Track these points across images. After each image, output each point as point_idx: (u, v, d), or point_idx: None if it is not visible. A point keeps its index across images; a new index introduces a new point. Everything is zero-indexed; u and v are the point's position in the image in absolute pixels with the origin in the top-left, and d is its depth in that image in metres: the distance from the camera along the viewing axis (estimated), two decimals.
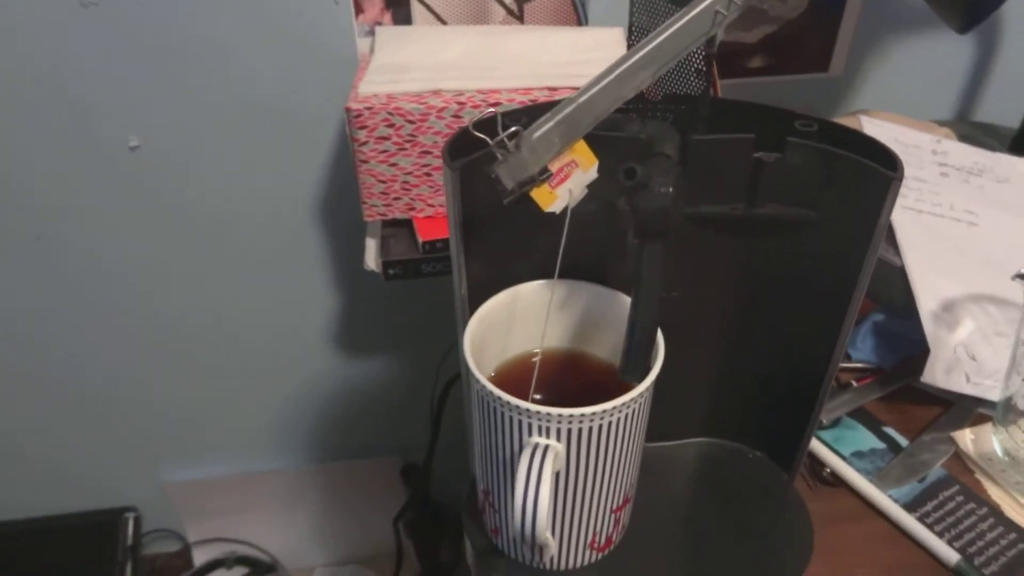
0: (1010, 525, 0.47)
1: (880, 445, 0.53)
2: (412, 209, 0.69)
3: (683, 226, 0.34)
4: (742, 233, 0.38)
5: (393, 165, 0.66)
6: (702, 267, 0.40)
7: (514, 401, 0.33)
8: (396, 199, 0.68)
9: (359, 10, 0.72)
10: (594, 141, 0.32)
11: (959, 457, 0.52)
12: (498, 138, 0.28)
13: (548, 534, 0.35)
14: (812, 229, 0.36)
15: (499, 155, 0.29)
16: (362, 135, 0.64)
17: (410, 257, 0.68)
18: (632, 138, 0.34)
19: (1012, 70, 0.87)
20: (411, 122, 0.63)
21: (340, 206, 0.85)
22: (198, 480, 1.09)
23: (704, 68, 0.32)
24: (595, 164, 0.31)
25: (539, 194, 0.31)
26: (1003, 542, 0.46)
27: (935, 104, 0.88)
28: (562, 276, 0.39)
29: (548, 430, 0.33)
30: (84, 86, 0.72)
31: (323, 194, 0.84)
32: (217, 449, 1.07)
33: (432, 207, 0.69)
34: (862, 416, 0.55)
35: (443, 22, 0.74)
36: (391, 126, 0.64)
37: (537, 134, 0.29)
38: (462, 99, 0.63)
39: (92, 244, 0.83)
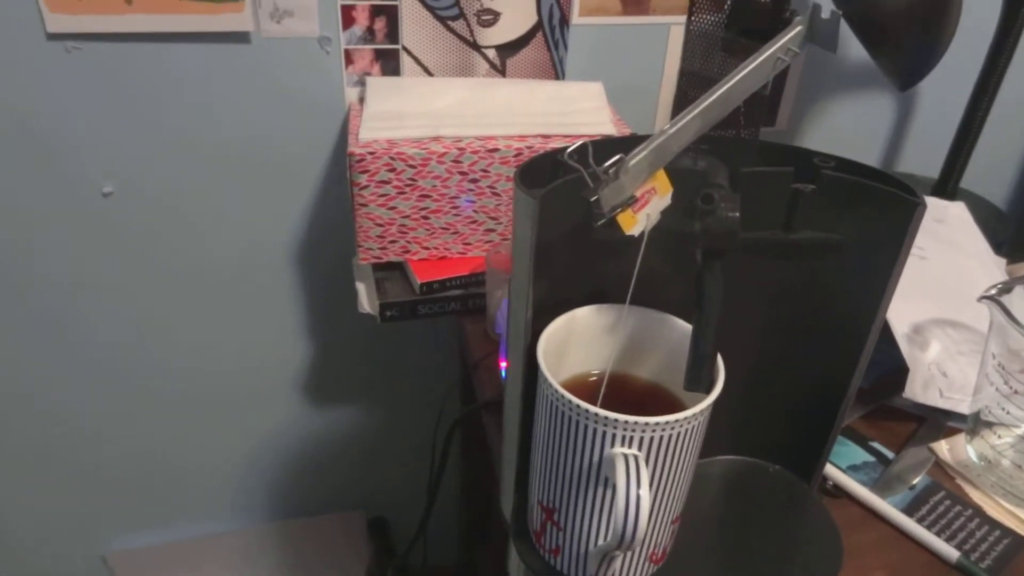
0: (994, 523, 0.52)
1: (870, 458, 0.58)
2: (407, 252, 0.70)
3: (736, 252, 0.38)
4: (778, 257, 0.42)
5: (392, 208, 0.67)
6: (739, 291, 0.43)
7: (601, 412, 0.34)
8: (392, 242, 0.69)
9: (348, 60, 0.74)
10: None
11: (939, 465, 0.57)
12: (598, 167, 0.31)
13: (642, 543, 0.36)
14: (840, 253, 0.41)
15: (599, 180, 0.32)
16: (363, 179, 0.65)
17: (407, 299, 0.69)
18: (689, 171, 0.38)
19: (929, 126, 0.98)
20: (412, 167, 0.65)
21: (319, 251, 0.85)
22: (145, 548, 1.02)
23: (753, 107, 0.36)
24: (670, 191, 0.35)
25: (623, 218, 0.34)
26: (991, 538, 0.51)
27: (865, 155, 0.98)
28: (608, 301, 0.42)
29: (631, 439, 0.35)
30: (60, 130, 0.70)
31: (302, 239, 0.84)
32: (166, 512, 1.01)
33: (427, 250, 0.70)
34: (850, 433, 0.60)
35: (430, 74, 0.77)
36: (392, 170, 0.65)
37: (634, 161, 0.32)
38: (461, 145, 0.66)
39: (58, 289, 0.79)
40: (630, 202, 0.33)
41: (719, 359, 0.38)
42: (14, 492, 0.92)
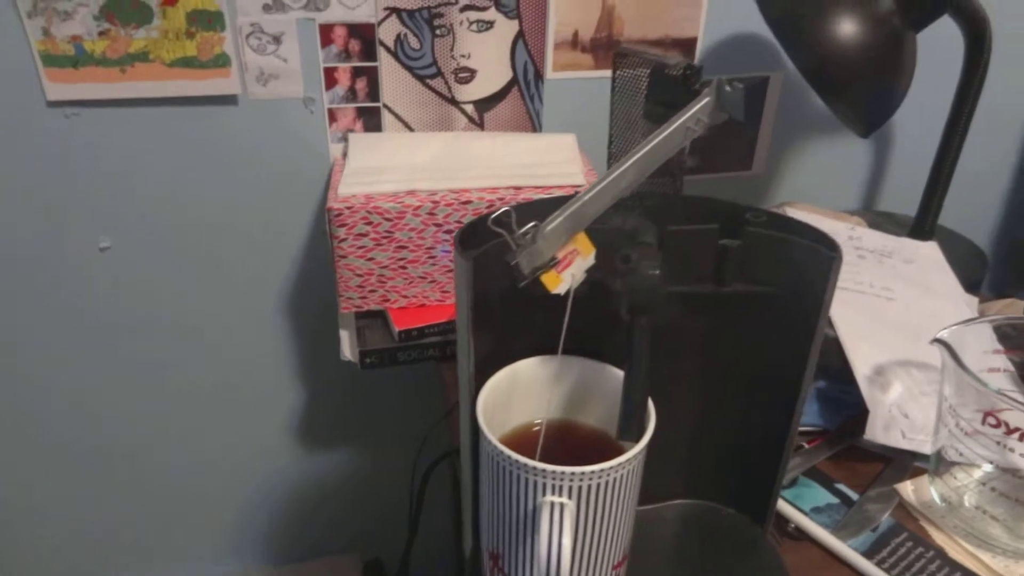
0: (955, 565, 0.53)
1: (834, 500, 0.58)
2: (387, 301, 0.73)
3: (662, 304, 0.40)
4: (710, 310, 0.43)
5: (370, 260, 0.70)
6: (676, 342, 0.45)
7: (530, 462, 0.36)
8: (372, 291, 0.72)
9: (332, 118, 0.78)
10: (589, 234, 0.37)
11: (903, 506, 0.58)
12: (519, 231, 0.33)
13: None
14: (770, 303, 0.43)
15: (516, 245, 0.34)
16: (342, 232, 0.68)
17: (386, 346, 0.71)
18: (617, 229, 0.40)
19: (905, 166, 1.00)
20: (388, 219, 0.68)
21: (307, 299, 0.88)
22: None
23: (676, 171, 0.39)
24: (593, 252, 0.37)
25: (548, 278, 0.36)
26: None
27: (844, 196, 1.00)
28: (554, 352, 0.44)
29: (560, 488, 0.36)
30: (59, 190, 0.74)
31: (291, 289, 0.87)
32: (160, 556, 1.03)
33: (406, 298, 0.73)
34: (815, 475, 0.60)
35: (411, 129, 0.80)
36: (369, 223, 0.68)
37: (550, 227, 0.34)
38: (436, 198, 0.69)
39: (54, 338, 0.83)
40: (552, 264, 0.35)
41: (651, 408, 0.40)
42: (11, 535, 0.94)
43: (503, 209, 0.34)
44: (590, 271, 0.38)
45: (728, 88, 0.34)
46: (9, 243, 0.76)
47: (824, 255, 0.39)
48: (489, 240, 0.39)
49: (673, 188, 0.38)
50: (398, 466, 1.02)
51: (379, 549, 1.09)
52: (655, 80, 0.37)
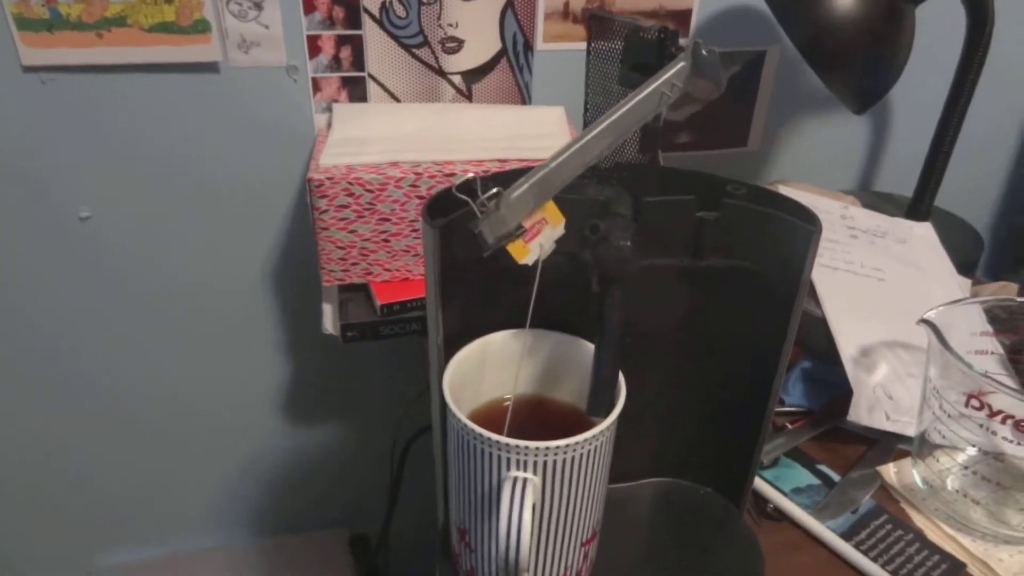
0: (934, 548, 0.52)
1: (816, 481, 0.57)
2: (369, 274, 0.72)
3: (635, 278, 0.38)
4: (687, 284, 0.42)
5: (352, 232, 0.69)
6: (652, 316, 0.44)
7: (494, 437, 0.35)
8: (354, 264, 0.71)
9: (316, 88, 0.76)
10: (560, 203, 0.36)
11: (885, 489, 0.57)
12: (481, 198, 0.32)
13: (528, 568, 0.37)
14: (748, 278, 0.41)
15: (481, 213, 0.33)
16: (323, 204, 0.67)
17: (368, 320, 0.70)
18: (592, 200, 0.39)
19: (903, 146, 0.98)
20: (370, 191, 0.67)
21: (291, 272, 0.87)
22: (128, 563, 1.04)
23: (651, 139, 0.37)
24: (563, 221, 0.36)
25: (514, 248, 0.35)
26: (929, 563, 0.51)
27: (841, 175, 0.99)
28: (529, 326, 0.43)
29: (525, 463, 0.36)
30: (37, 158, 0.73)
31: (275, 261, 0.86)
32: (150, 529, 1.03)
33: (389, 271, 0.72)
34: (798, 455, 0.60)
35: (397, 100, 0.79)
36: (351, 195, 0.67)
37: (515, 194, 0.33)
38: (419, 170, 0.67)
39: (35, 313, 0.82)
40: (519, 233, 0.34)
41: (622, 383, 0.39)
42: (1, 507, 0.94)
43: (467, 175, 0.33)
44: (560, 242, 0.37)
45: (704, 52, 0.33)
46: None
47: (803, 229, 0.38)
48: (459, 208, 0.38)
49: (650, 158, 0.37)
50: (383, 441, 1.02)
51: (366, 524, 1.09)
52: (630, 44, 0.36)
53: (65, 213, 0.77)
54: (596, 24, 0.38)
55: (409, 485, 0.80)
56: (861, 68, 0.66)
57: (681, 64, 0.34)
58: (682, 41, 0.37)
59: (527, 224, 0.34)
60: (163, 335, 0.87)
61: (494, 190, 0.33)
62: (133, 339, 0.86)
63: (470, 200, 0.33)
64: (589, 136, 0.33)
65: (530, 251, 0.35)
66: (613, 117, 0.33)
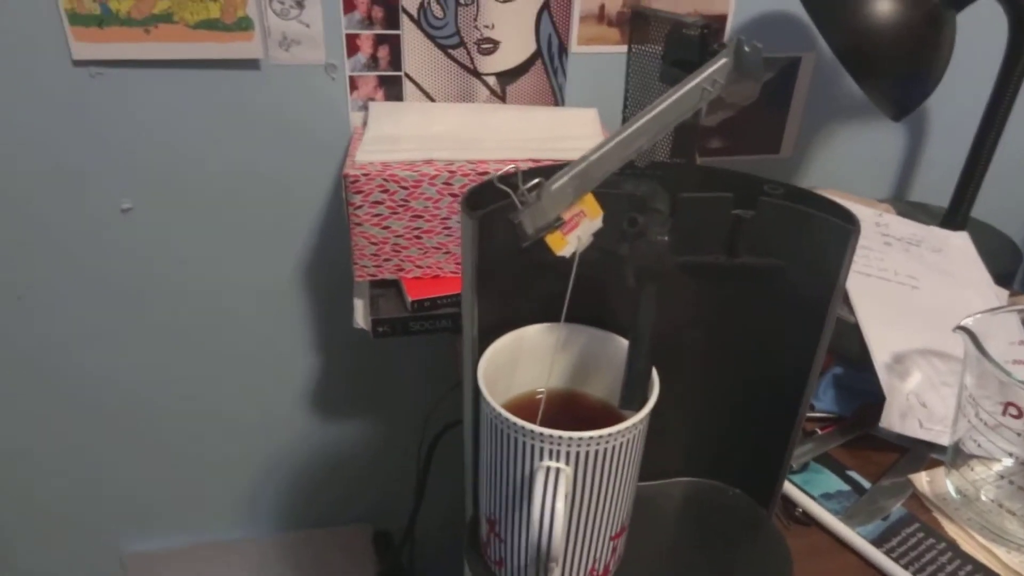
0: (966, 558, 0.51)
1: (845, 487, 0.57)
2: (401, 270, 0.73)
3: (672, 274, 0.39)
4: (723, 281, 0.42)
5: (385, 228, 0.70)
6: (685, 314, 0.44)
7: (528, 425, 0.36)
8: (386, 260, 0.72)
9: (353, 86, 0.77)
10: (599, 197, 0.36)
11: (916, 497, 0.56)
12: (522, 188, 0.33)
13: (560, 558, 0.37)
14: (782, 278, 0.41)
15: (521, 203, 0.33)
16: (358, 199, 0.68)
17: (399, 316, 0.71)
18: (629, 195, 0.39)
19: (939, 155, 0.97)
20: (404, 188, 0.68)
21: (323, 268, 0.88)
22: (159, 551, 1.05)
23: (691, 136, 0.37)
24: (601, 215, 0.36)
25: (553, 240, 0.35)
26: (961, 573, 0.50)
27: (875, 184, 0.98)
28: (563, 320, 0.43)
29: (558, 453, 0.36)
30: (83, 149, 0.75)
31: (308, 256, 0.87)
32: (180, 518, 1.04)
33: (420, 268, 0.73)
34: (827, 461, 0.59)
35: (432, 99, 0.80)
36: (385, 191, 0.68)
37: (556, 185, 0.33)
38: (453, 168, 0.68)
39: (77, 300, 0.84)
40: (557, 224, 0.35)
41: (655, 378, 0.39)
42: (35, 490, 0.97)
43: (509, 167, 0.34)
44: (598, 235, 0.37)
45: (747, 49, 0.33)
46: (32, 202, 0.77)
47: (841, 228, 0.38)
48: (497, 201, 0.39)
49: (687, 155, 0.37)
50: (410, 439, 1.03)
51: (390, 521, 1.10)
52: (672, 40, 0.36)
53: (108, 204, 0.79)
54: (638, 21, 0.38)
55: (435, 481, 0.80)
56: (900, 75, 0.65)
57: (724, 60, 0.34)
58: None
59: (566, 216, 0.35)
60: (197, 327, 0.89)
61: (536, 180, 0.33)
62: (167, 330, 0.88)
63: (511, 191, 0.33)
64: (630, 130, 0.34)
65: (568, 243, 0.35)
66: (655, 112, 0.34)
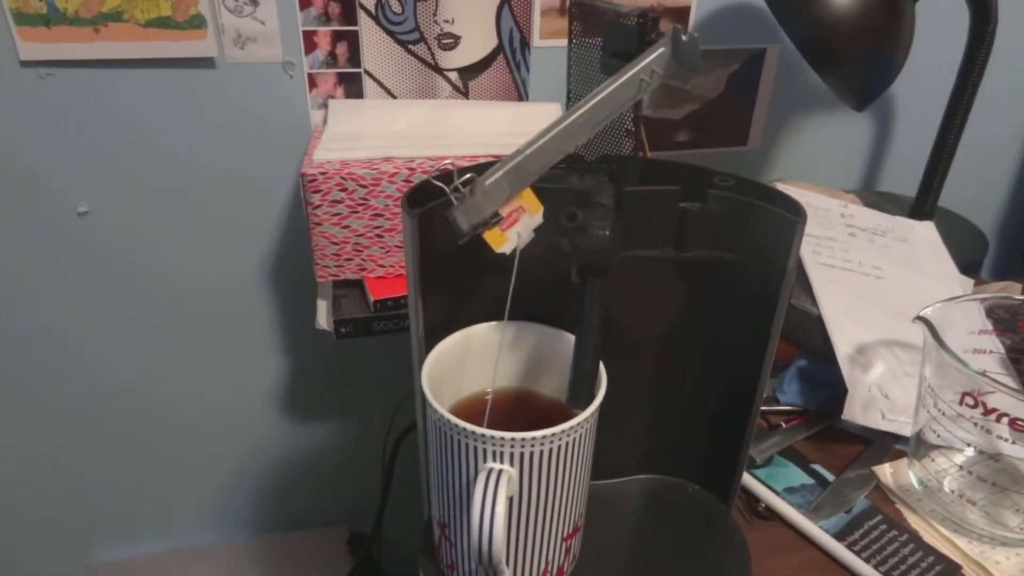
0: (928, 549, 0.51)
1: (809, 481, 0.57)
2: (363, 270, 0.72)
3: (618, 270, 0.38)
4: (673, 275, 0.42)
5: (346, 227, 0.69)
6: (637, 310, 0.44)
7: (470, 427, 0.35)
8: (348, 260, 0.71)
9: (312, 84, 0.76)
10: (539, 192, 0.36)
11: (880, 489, 0.56)
12: (455, 183, 0.32)
13: (504, 561, 0.37)
14: (733, 271, 0.41)
15: (455, 200, 0.32)
16: (316, 199, 0.67)
17: (361, 316, 0.70)
18: (572, 189, 0.38)
19: (906, 145, 0.97)
20: (363, 186, 0.67)
21: (288, 270, 0.87)
22: (127, 559, 1.04)
23: (633, 128, 0.37)
24: (541, 210, 0.35)
25: (491, 236, 0.34)
26: (923, 565, 0.50)
27: (843, 175, 0.98)
28: (512, 319, 0.42)
29: (502, 455, 0.35)
30: (35, 152, 0.73)
31: (272, 258, 0.86)
32: (148, 526, 1.03)
33: (383, 267, 0.72)
34: (792, 455, 0.59)
35: (393, 96, 0.78)
36: (344, 190, 0.67)
37: (490, 181, 0.32)
38: (412, 165, 0.67)
39: (33, 306, 0.82)
40: (495, 221, 0.34)
41: (602, 374, 0.39)
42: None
43: (445, 162, 0.33)
44: (540, 231, 0.36)
45: (684, 38, 0.32)
46: None
47: (788, 219, 0.37)
48: (438, 199, 0.38)
49: (633, 148, 0.36)
50: (380, 440, 1.02)
51: (364, 523, 1.09)
52: (611, 31, 0.35)
53: (63, 208, 0.77)
54: (578, 12, 0.37)
55: (403, 481, 0.79)
56: (860, 65, 0.65)
57: (661, 50, 0.33)
58: None
59: (504, 212, 0.34)
60: (159, 331, 0.87)
61: (467, 176, 0.32)
62: (129, 335, 0.86)
63: (445, 187, 0.33)
64: (565, 123, 0.33)
65: (507, 240, 0.35)
66: (591, 103, 0.33)
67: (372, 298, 0.69)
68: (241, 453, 1.00)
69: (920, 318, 0.51)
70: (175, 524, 1.03)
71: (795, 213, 0.37)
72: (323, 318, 0.73)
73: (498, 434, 0.35)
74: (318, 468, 1.03)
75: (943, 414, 0.50)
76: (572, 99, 0.39)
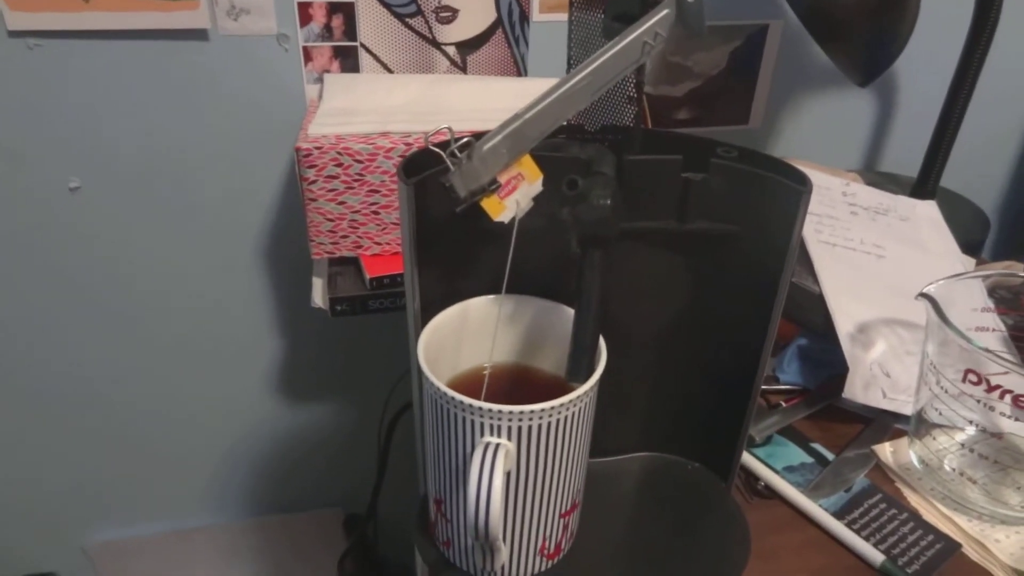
0: (928, 528, 0.50)
1: (809, 460, 0.56)
2: (359, 247, 0.71)
3: (620, 242, 0.37)
4: (674, 249, 0.41)
5: (341, 203, 0.68)
6: (638, 282, 0.43)
7: (467, 400, 0.34)
8: (344, 237, 0.70)
9: (307, 58, 0.74)
10: (540, 161, 0.35)
11: (880, 468, 0.55)
12: (452, 147, 0.31)
13: (500, 536, 0.36)
14: (736, 243, 0.40)
15: (452, 165, 0.31)
16: (311, 174, 0.66)
17: (357, 294, 0.69)
18: (573, 158, 0.37)
19: (909, 125, 0.96)
20: (359, 161, 0.66)
21: (284, 248, 0.86)
22: (124, 540, 1.03)
23: (635, 95, 0.36)
24: (540, 178, 0.34)
25: (489, 204, 0.33)
26: (923, 543, 0.49)
27: (844, 154, 0.97)
28: (511, 292, 0.41)
29: (499, 428, 0.34)
30: (25, 126, 0.72)
31: (268, 236, 0.84)
32: (145, 507, 1.02)
33: (379, 245, 0.71)
34: (791, 434, 0.58)
35: (390, 71, 0.77)
36: (339, 165, 0.66)
37: (487, 146, 0.32)
38: (409, 140, 0.66)
39: (25, 285, 0.81)
40: (493, 188, 0.33)
41: (602, 347, 0.38)
42: None
43: (441, 127, 0.32)
44: (540, 200, 0.35)
45: (690, 0, 0.31)
46: None
47: (792, 190, 0.36)
48: (434, 167, 0.37)
49: (631, 116, 0.35)
50: (377, 420, 1.01)
51: (361, 505, 1.09)
52: None
53: (54, 183, 0.76)
54: None
55: (398, 460, 0.79)
56: (864, 39, 0.64)
57: (665, 11, 0.32)
58: None
59: (502, 179, 0.33)
60: (153, 311, 0.86)
61: (465, 139, 0.31)
62: (122, 315, 0.85)
63: (441, 152, 0.32)
64: (566, 86, 0.32)
65: (506, 208, 0.34)
66: (593, 66, 0.32)
67: (368, 276, 0.68)
68: (237, 434, 0.99)
69: (924, 295, 0.50)
70: (171, 505, 1.03)
71: (800, 183, 0.36)
72: (319, 296, 0.72)
73: (496, 407, 0.34)
74: (314, 449, 1.03)
75: (945, 392, 0.49)
76: (572, 66, 0.38)
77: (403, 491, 1.00)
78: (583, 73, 0.32)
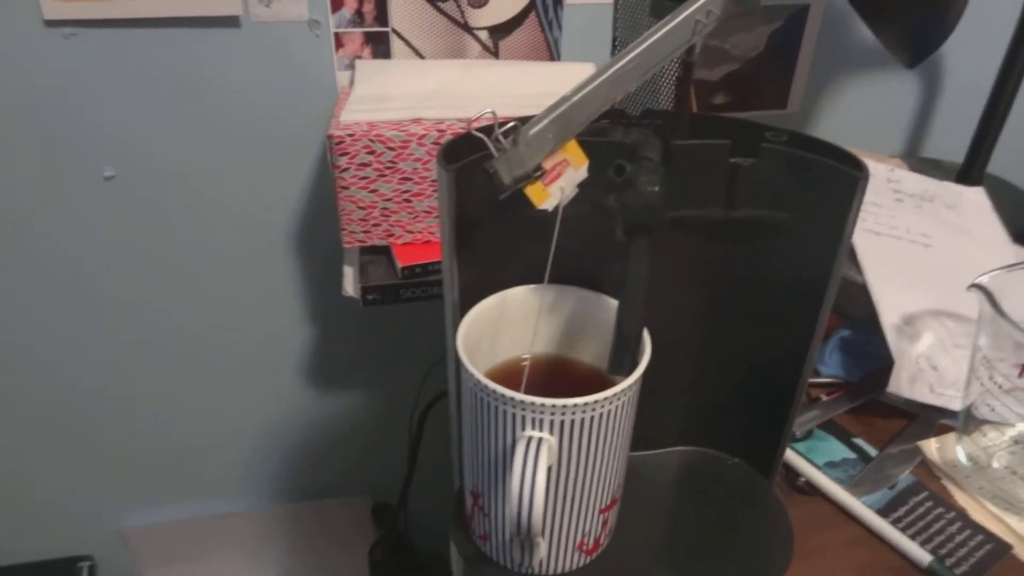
0: (977, 528, 0.49)
1: (851, 455, 0.55)
2: (391, 235, 0.70)
3: (666, 230, 0.36)
4: (721, 237, 0.39)
5: (373, 191, 0.67)
6: (683, 273, 0.42)
7: (508, 393, 0.33)
8: (375, 225, 0.69)
9: (339, 44, 0.74)
10: (585, 145, 0.34)
11: (925, 465, 0.54)
12: (496, 133, 0.30)
13: (541, 532, 0.35)
14: (786, 231, 0.39)
15: (496, 151, 0.30)
16: (343, 162, 0.65)
17: (389, 282, 0.68)
18: (617, 143, 0.36)
19: (954, 109, 0.93)
20: (392, 149, 0.65)
21: (316, 236, 0.85)
22: (158, 524, 1.05)
23: (684, 76, 0.34)
24: (586, 164, 0.33)
25: (533, 191, 0.32)
26: (971, 543, 0.48)
27: (886, 140, 0.94)
28: (550, 282, 0.40)
29: (541, 422, 0.34)
30: (60, 115, 0.72)
31: (299, 224, 0.84)
32: (179, 492, 1.04)
33: (411, 233, 0.70)
34: (832, 428, 0.57)
35: (421, 56, 0.76)
36: (372, 153, 0.65)
37: (533, 131, 0.30)
38: (442, 127, 0.65)
39: (63, 274, 0.82)
40: (538, 175, 0.32)
41: (646, 340, 0.37)
42: (32, 464, 0.96)
43: (485, 112, 0.31)
44: (584, 186, 0.34)
45: None
46: (9, 169, 0.74)
47: (847, 175, 0.35)
48: (474, 154, 0.36)
49: (682, 99, 0.34)
50: (408, 410, 1.01)
51: (390, 494, 1.09)
52: None
53: (90, 172, 0.76)
54: None
55: (430, 451, 0.78)
56: (915, 17, 0.61)
57: None
58: None
59: (547, 165, 0.32)
60: (186, 298, 0.87)
61: (511, 125, 0.30)
62: (156, 301, 0.86)
63: (485, 137, 0.31)
64: (614, 68, 0.31)
65: (550, 195, 0.33)
66: (642, 47, 0.31)
67: (400, 264, 0.68)
68: (269, 422, 1.00)
69: (976, 285, 0.48)
70: (205, 491, 1.04)
71: (857, 169, 0.35)
72: (350, 284, 0.72)
73: (538, 400, 0.33)
74: (346, 438, 1.03)
75: (999, 387, 0.48)
76: (618, 47, 0.37)
77: (433, 481, 1.00)
78: (632, 54, 0.31)
